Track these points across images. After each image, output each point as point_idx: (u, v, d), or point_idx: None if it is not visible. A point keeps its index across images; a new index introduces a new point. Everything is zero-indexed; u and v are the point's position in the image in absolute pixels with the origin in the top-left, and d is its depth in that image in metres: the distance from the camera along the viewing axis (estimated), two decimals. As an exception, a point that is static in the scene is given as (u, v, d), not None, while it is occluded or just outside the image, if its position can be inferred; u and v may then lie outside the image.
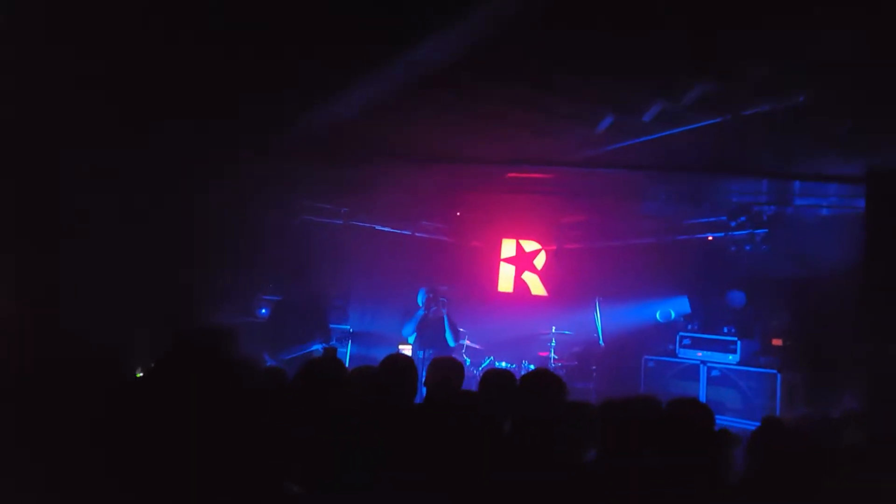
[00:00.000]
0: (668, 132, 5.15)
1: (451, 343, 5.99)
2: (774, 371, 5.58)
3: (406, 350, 6.24)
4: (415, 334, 6.03)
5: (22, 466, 2.05)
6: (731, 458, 2.35)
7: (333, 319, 6.60)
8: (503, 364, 7.03)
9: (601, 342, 6.90)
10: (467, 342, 7.08)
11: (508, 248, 8.57)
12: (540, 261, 8.46)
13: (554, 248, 8.43)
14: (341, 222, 7.48)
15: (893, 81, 3.74)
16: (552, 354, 7.06)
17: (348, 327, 6.62)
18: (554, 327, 7.16)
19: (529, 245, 8.51)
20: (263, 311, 5.97)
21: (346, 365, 6.11)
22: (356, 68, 4.15)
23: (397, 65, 4.07)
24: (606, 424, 2.37)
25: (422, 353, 5.75)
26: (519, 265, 8.52)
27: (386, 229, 7.93)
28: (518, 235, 8.51)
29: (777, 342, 5.96)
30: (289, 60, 3.98)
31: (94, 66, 3.54)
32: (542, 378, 2.97)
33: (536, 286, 8.44)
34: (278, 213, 6.54)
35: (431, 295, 6.00)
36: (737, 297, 6.23)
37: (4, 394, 2.25)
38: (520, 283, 8.47)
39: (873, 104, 3.97)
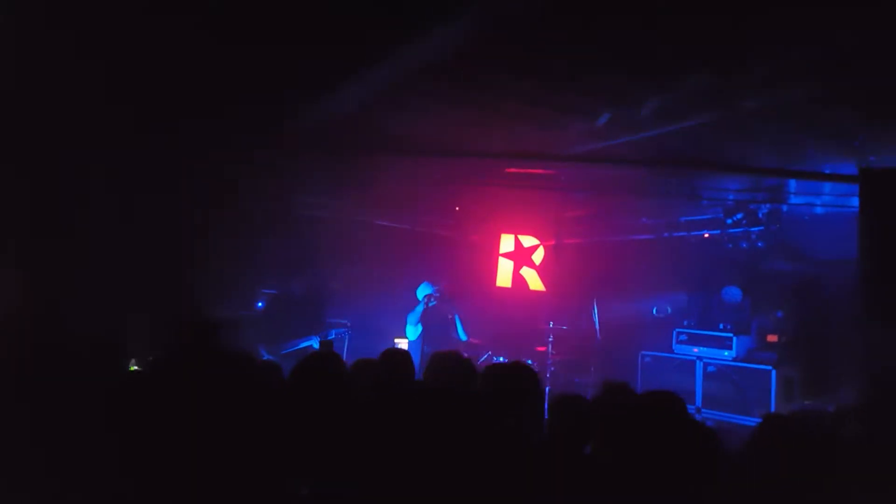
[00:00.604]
0: (666, 128, 5.18)
1: (463, 337, 6.06)
2: (769, 368, 5.63)
3: (402, 344, 6.29)
4: (420, 327, 6.06)
5: (24, 461, 2.08)
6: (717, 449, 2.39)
7: (332, 313, 6.65)
8: (500, 359, 7.08)
9: (598, 337, 6.95)
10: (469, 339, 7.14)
11: (507, 242, 8.59)
12: (538, 256, 8.48)
13: (552, 243, 8.45)
14: (340, 216, 7.51)
15: (887, 82, 3.76)
16: (550, 349, 7.11)
17: (347, 321, 6.66)
18: (552, 322, 7.21)
19: (528, 240, 8.53)
20: (260, 304, 6.00)
21: (345, 359, 6.21)
22: (355, 63, 4.16)
23: (396, 58, 4.08)
24: (598, 418, 2.42)
25: (428, 348, 5.79)
26: (517, 260, 8.54)
27: (385, 223, 7.96)
28: (517, 230, 8.53)
29: (773, 339, 6.01)
30: (288, 56, 4.00)
31: (94, 65, 3.55)
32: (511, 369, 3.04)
33: (535, 281, 8.47)
34: (278, 206, 6.57)
35: (439, 293, 6.04)
36: (733, 294, 6.27)
37: (7, 388, 2.28)
38: (518, 279, 8.49)
39: (867, 104, 3.99)
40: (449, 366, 3.45)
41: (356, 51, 3.95)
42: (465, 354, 6.55)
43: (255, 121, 4.84)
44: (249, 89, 4.33)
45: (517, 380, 2.87)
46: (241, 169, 5.45)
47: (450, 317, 6.20)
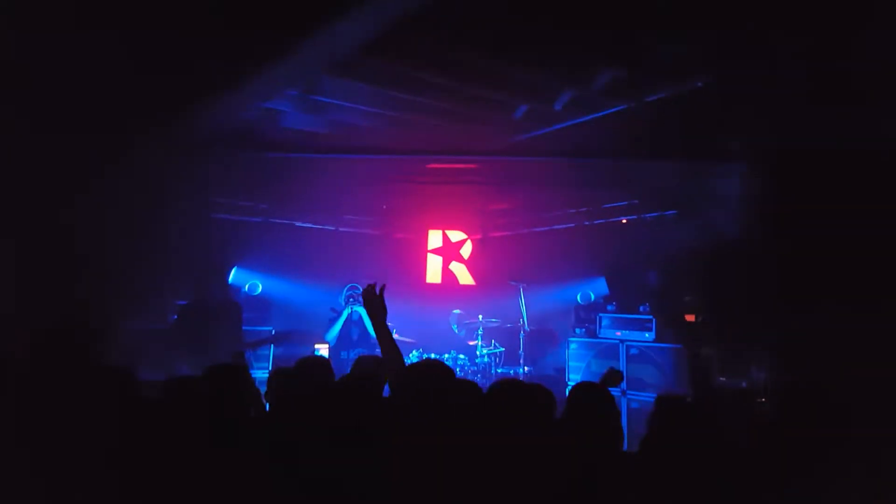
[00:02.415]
0: (580, 119, 5.28)
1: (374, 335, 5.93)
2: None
3: (323, 350, 6.14)
4: (337, 329, 5.93)
5: None
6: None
7: (254, 321, 6.40)
8: (432, 356, 7.04)
9: (526, 327, 7.02)
10: (396, 335, 7.04)
11: (435, 238, 8.58)
12: (466, 250, 8.52)
13: (479, 236, 8.50)
14: (260, 220, 7.27)
15: (786, 65, 3.94)
16: (479, 342, 7.12)
17: (271, 329, 6.43)
18: (481, 315, 7.23)
19: (455, 235, 8.55)
20: (175, 316, 5.69)
21: (270, 367, 5.99)
22: (262, 55, 4.01)
23: (306, 51, 3.96)
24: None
25: (345, 353, 5.66)
26: (446, 255, 8.54)
27: (308, 225, 7.76)
28: (444, 226, 8.53)
29: (690, 318, 6.21)
30: (190, 49, 3.80)
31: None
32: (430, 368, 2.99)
33: (464, 276, 8.49)
34: (191, 211, 6.25)
35: (353, 293, 5.91)
36: (651, 277, 6.47)
37: None
38: (447, 274, 8.50)
39: (768, 87, 4.18)
40: (368, 369, 3.38)
41: (262, 39, 3.80)
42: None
43: (162, 114, 4.59)
44: (155, 82, 4.09)
45: (431, 379, 2.80)
46: (151, 168, 5.15)
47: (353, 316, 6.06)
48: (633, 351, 6.20)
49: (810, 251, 3.87)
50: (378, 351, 3.25)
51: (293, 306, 6.92)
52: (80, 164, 4.48)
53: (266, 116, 5.35)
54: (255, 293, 6.77)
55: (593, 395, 2.66)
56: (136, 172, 5.03)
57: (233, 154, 5.82)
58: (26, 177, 4.09)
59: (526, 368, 6.95)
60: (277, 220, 7.34)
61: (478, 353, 7.07)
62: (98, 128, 4.39)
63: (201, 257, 6.01)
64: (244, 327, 5.36)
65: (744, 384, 5.32)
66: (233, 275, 6.67)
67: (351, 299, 5.97)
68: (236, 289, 6.57)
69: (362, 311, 5.96)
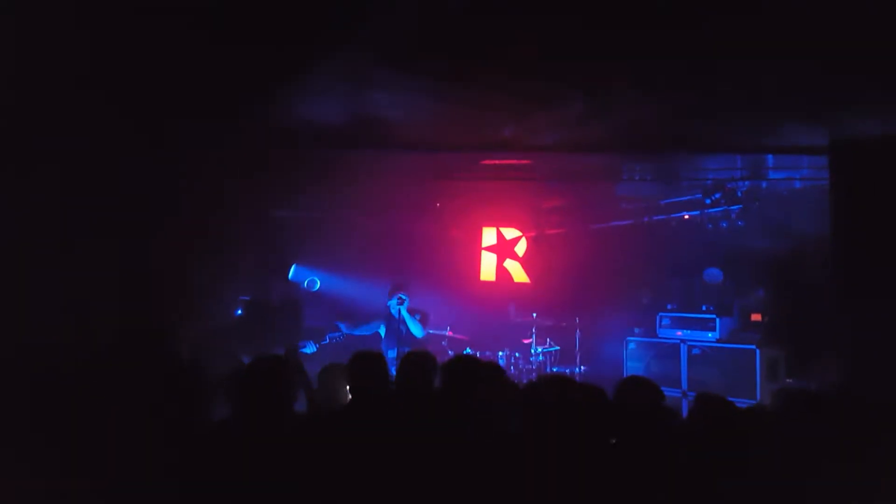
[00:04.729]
0: (638, 113, 5.13)
1: (418, 334, 5.90)
2: (753, 347, 5.58)
3: None
4: (384, 326, 6.00)
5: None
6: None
7: (313, 317, 6.56)
8: (486, 354, 7.02)
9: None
10: (449, 333, 7.06)
11: (489, 236, 8.55)
12: (521, 248, 8.44)
13: (534, 234, 8.41)
14: (318, 217, 7.42)
15: (853, 53, 3.71)
16: (535, 340, 7.05)
17: (330, 324, 6.57)
18: (535, 314, 7.15)
19: (510, 232, 8.49)
20: (239, 311, 5.91)
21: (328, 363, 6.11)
22: (320, 55, 4.08)
23: (363, 48, 4.00)
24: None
25: (393, 351, 5.69)
26: (500, 253, 8.50)
27: (364, 222, 7.87)
28: (498, 223, 8.48)
29: (756, 318, 5.96)
30: (254, 48, 3.91)
31: (77, 62, 3.45)
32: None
33: (519, 273, 8.42)
34: (252, 209, 6.45)
35: (397, 289, 5.95)
36: (714, 274, 6.22)
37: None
38: (502, 272, 8.45)
39: (835, 75, 3.95)
40: (417, 364, 3.39)
41: (321, 40, 3.87)
42: (452, 353, 6.55)
43: (224, 118, 4.75)
44: (217, 86, 4.24)
45: (473, 372, 2.79)
46: (216, 171, 5.35)
47: (399, 315, 6.07)
48: (694, 351, 5.99)
49: (886, 246, 3.63)
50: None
51: (351, 302, 7.04)
52: (145, 166, 4.71)
53: (318, 112, 5.44)
54: (314, 289, 6.92)
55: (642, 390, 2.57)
56: (199, 174, 5.25)
57: (287, 151, 5.94)
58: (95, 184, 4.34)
59: (582, 368, 6.83)
60: (335, 218, 7.47)
61: (532, 351, 7.00)
62: (160, 130, 4.60)
63: (262, 254, 6.21)
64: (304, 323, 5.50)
65: (813, 386, 5.06)
66: (292, 272, 6.84)
67: (393, 303, 6.02)
68: (296, 285, 6.74)
69: (405, 312, 6.00)
